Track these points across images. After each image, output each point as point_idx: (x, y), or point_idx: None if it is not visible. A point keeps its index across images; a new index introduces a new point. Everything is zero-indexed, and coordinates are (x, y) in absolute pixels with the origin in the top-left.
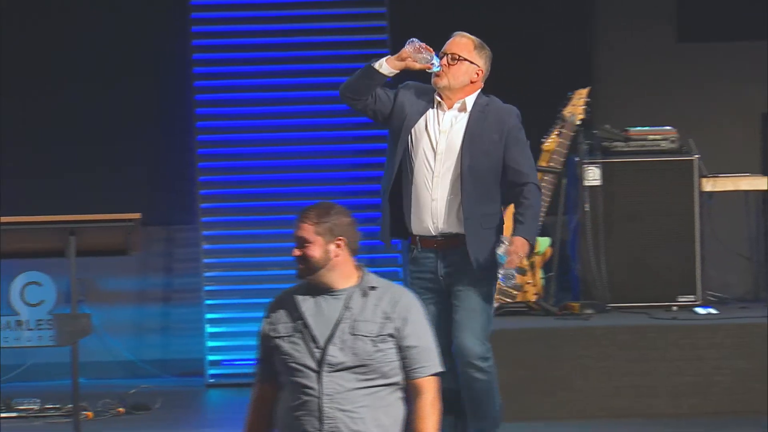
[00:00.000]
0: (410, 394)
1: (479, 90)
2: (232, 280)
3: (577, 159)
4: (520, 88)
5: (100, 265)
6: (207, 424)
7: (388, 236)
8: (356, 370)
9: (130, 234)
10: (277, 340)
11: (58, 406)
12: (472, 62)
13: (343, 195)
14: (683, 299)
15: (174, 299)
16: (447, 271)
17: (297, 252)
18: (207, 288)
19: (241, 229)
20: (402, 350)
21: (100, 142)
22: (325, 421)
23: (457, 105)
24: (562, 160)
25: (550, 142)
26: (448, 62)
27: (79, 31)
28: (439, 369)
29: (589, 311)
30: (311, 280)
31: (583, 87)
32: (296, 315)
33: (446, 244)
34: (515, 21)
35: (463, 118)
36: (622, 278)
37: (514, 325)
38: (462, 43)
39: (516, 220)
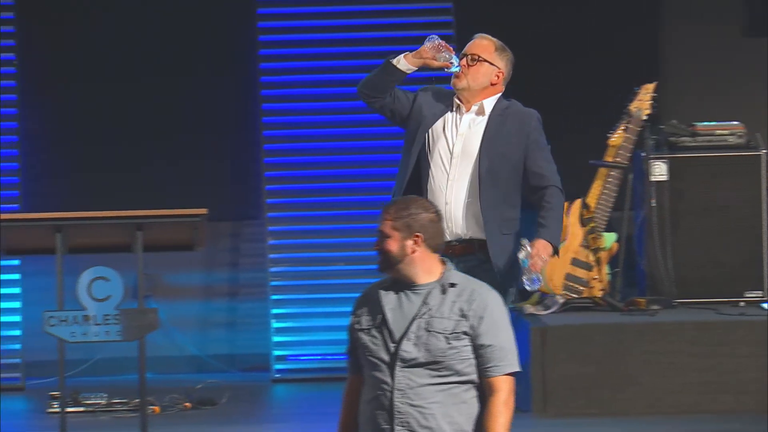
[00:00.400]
0: (485, 392)
1: (500, 94)
2: (298, 275)
3: (643, 154)
4: (587, 83)
5: (166, 260)
6: (273, 419)
7: None
8: (429, 366)
9: (197, 229)
10: (360, 333)
11: (125, 400)
12: (492, 64)
13: None
14: (750, 295)
15: (240, 294)
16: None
17: (376, 245)
18: (273, 283)
19: (307, 224)
20: (476, 348)
21: (166, 137)
22: (396, 416)
23: (474, 108)
24: (628, 155)
25: (617, 138)
26: (467, 63)
27: (147, 26)
28: (515, 369)
29: (655, 307)
30: (391, 274)
31: (650, 82)
32: (378, 309)
33: (461, 249)
34: (581, 16)
35: (482, 122)
36: (689, 274)
37: (580, 320)
38: (483, 44)
39: (538, 224)
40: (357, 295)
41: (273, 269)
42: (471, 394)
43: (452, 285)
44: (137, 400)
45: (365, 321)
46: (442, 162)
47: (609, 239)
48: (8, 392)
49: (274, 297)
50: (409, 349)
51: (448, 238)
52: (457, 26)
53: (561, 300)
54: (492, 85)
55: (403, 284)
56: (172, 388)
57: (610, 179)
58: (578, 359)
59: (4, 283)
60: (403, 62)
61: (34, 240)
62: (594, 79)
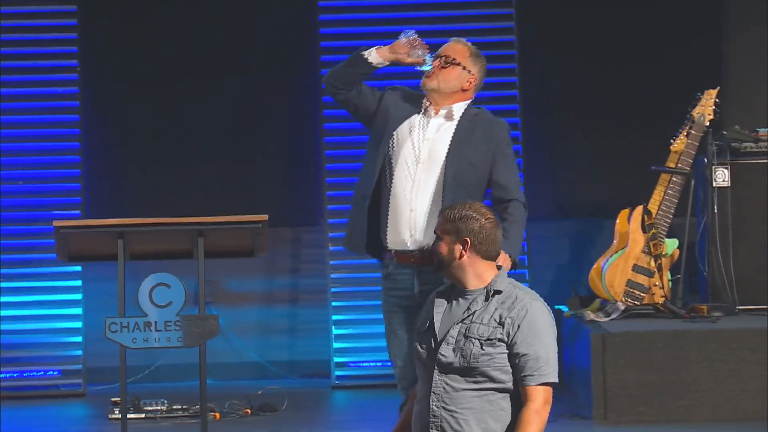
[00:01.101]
0: (522, 400)
1: (470, 100)
2: (359, 281)
3: (705, 160)
4: (650, 88)
5: (227, 267)
6: (333, 425)
7: (363, 245)
8: (464, 371)
9: (258, 235)
10: (415, 337)
11: (185, 406)
12: (465, 68)
13: None
14: None
15: (300, 300)
16: (422, 290)
17: (432, 246)
18: (333, 290)
19: None
20: (512, 357)
21: (227, 142)
22: (431, 420)
23: (443, 112)
24: (690, 161)
25: (679, 143)
26: (440, 65)
27: (207, 29)
28: (550, 379)
29: (717, 314)
30: (442, 275)
31: (713, 87)
32: (431, 314)
33: (423, 259)
34: (644, 20)
35: (450, 127)
36: (751, 280)
37: (641, 327)
38: (457, 48)
39: None
40: None
41: (333, 275)
42: (509, 402)
43: (497, 292)
44: (198, 407)
45: (419, 326)
46: (407, 167)
47: (671, 246)
48: (70, 398)
49: (335, 303)
50: (446, 353)
51: (410, 247)
52: (519, 32)
53: (622, 307)
54: (463, 90)
55: (458, 291)
56: (232, 394)
57: (672, 185)
58: (639, 366)
59: (66, 289)
60: (375, 55)
61: (96, 246)
62: (657, 85)
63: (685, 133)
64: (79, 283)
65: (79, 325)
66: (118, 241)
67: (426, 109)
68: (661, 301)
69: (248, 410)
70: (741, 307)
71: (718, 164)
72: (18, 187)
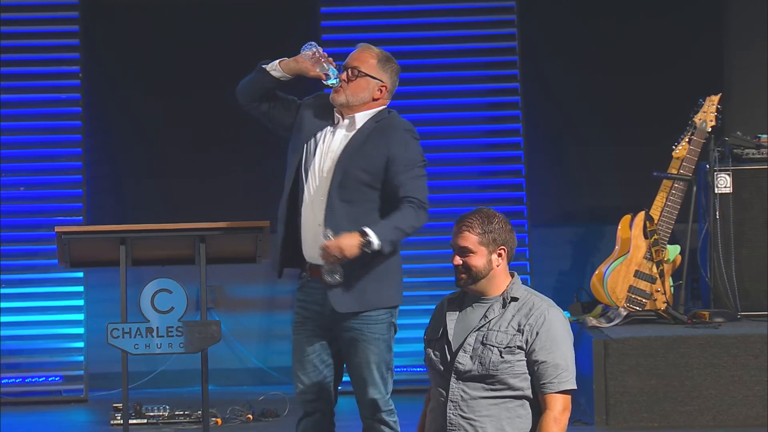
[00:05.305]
0: (541, 407)
1: (381, 107)
2: None
3: (707, 166)
4: (651, 94)
5: (228, 273)
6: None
7: (278, 265)
8: (483, 379)
9: (259, 241)
10: (427, 344)
11: (187, 412)
12: (374, 77)
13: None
14: None
15: None
16: (332, 308)
17: (458, 261)
18: None
19: None
20: (530, 364)
21: (231, 148)
22: (448, 428)
23: (346, 122)
24: (692, 167)
25: (681, 149)
26: (347, 77)
27: (211, 34)
28: (569, 386)
29: (719, 319)
30: (470, 290)
31: (715, 94)
32: (443, 321)
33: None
34: (647, 28)
35: (349, 137)
36: (753, 286)
37: (643, 333)
38: (363, 56)
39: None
40: (421, 307)
41: None
42: (526, 409)
43: (514, 299)
44: (199, 412)
45: (431, 333)
46: (314, 180)
47: (672, 252)
48: (72, 404)
49: None
50: (464, 361)
51: (321, 262)
52: (521, 39)
53: (624, 312)
54: (374, 99)
55: (471, 297)
56: (234, 400)
57: (674, 191)
58: (641, 372)
59: (68, 295)
60: (278, 68)
61: (98, 252)
62: (658, 91)
63: (687, 140)
64: (81, 288)
65: (81, 330)
66: (120, 246)
67: (338, 121)
68: (663, 307)
69: (250, 416)
70: (743, 313)
71: (720, 170)
72: (20, 193)
